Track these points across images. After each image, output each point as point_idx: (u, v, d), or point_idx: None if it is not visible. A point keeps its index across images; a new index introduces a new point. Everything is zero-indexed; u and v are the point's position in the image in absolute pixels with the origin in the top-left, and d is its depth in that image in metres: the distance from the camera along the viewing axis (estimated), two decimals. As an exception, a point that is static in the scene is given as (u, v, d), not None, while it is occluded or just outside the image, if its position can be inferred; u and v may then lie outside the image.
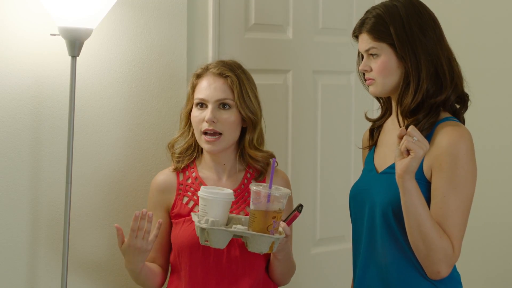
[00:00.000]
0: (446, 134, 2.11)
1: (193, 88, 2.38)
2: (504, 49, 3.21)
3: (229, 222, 2.21)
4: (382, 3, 2.24)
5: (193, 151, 2.41)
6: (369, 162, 2.30)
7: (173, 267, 2.39)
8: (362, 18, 2.24)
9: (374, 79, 2.20)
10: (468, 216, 2.10)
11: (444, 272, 2.08)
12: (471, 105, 2.24)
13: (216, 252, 2.27)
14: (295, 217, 2.19)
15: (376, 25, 2.19)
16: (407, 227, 2.06)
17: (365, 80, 2.25)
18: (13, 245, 2.46)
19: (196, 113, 2.35)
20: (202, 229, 2.11)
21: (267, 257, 2.33)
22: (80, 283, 2.58)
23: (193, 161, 2.42)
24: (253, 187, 2.11)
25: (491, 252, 3.21)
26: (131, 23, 2.65)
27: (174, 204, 2.38)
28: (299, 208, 2.19)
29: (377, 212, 2.17)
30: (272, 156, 2.39)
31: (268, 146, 3.05)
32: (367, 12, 2.24)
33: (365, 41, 2.20)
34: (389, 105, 2.31)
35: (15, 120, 2.45)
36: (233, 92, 2.34)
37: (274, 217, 2.09)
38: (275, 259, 2.28)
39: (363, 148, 2.39)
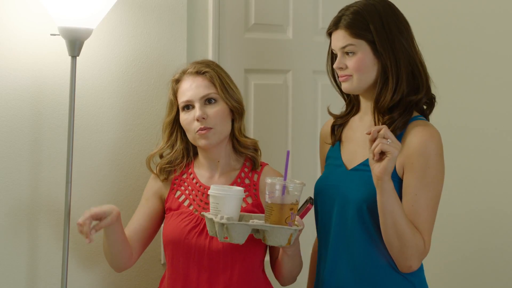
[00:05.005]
0: (417, 134, 2.16)
1: (175, 94, 2.39)
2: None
3: (240, 220, 2.21)
4: (358, 2, 2.26)
5: (184, 157, 2.42)
6: (335, 157, 2.32)
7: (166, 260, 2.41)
8: (337, 15, 2.25)
9: (350, 75, 2.22)
10: (436, 212, 2.18)
11: (415, 266, 2.16)
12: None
13: (197, 246, 2.28)
14: (308, 210, 2.19)
15: (354, 22, 2.20)
16: (383, 225, 2.11)
17: (335, 79, 2.29)
18: (13, 245, 2.46)
19: (184, 116, 2.36)
20: (221, 225, 2.11)
21: (256, 252, 2.33)
22: (80, 283, 2.58)
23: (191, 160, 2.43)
24: (268, 179, 2.11)
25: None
26: (131, 23, 2.65)
27: (167, 197, 2.40)
28: (310, 200, 2.19)
29: (349, 208, 2.20)
30: (255, 143, 2.41)
31: (268, 145, 3.05)
32: (343, 9, 2.25)
33: (342, 38, 2.21)
34: (357, 103, 2.34)
35: (15, 120, 2.45)
36: (215, 85, 2.35)
37: (291, 209, 2.10)
38: (285, 255, 2.27)
39: (327, 143, 2.39)
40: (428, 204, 2.14)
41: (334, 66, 2.24)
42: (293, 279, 2.37)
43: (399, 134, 2.17)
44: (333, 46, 2.26)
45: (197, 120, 2.32)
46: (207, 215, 2.17)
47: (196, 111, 2.32)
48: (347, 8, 2.25)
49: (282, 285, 2.40)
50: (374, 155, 2.05)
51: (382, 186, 2.07)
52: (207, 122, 2.32)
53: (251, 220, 2.15)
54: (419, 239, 2.12)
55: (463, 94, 3.25)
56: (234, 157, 2.41)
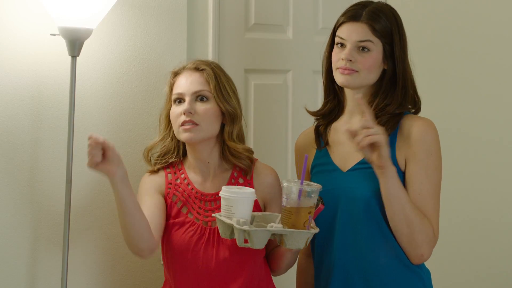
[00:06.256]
0: (414, 125, 2.20)
1: (171, 87, 2.37)
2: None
3: (252, 219, 2.20)
4: (376, 3, 2.26)
5: (174, 152, 2.37)
6: (326, 163, 2.32)
7: (165, 268, 2.38)
8: (355, 8, 2.24)
9: (356, 71, 2.21)
10: (439, 199, 2.21)
11: (427, 254, 2.17)
12: None
13: (205, 256, 2.26)
14: (319, 210, 2.18)
15: (379, 20, 2.21)
16: (391, 213, 2.13)
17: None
18: (13, 245, 2.46)
19: (173, 108, 2.33)
20: (243, 231, 2.09)
21: (261, 254, 2.32)
22: (80, 283, 2.58)
23: (181, 163, 2.39)
24: (285, 183, 2.10)
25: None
26: (131, 23, 2.65)
27: (165, 199, 2.35)
28: (321, 200, 2.18)
29: (357, 206, 2.20)
30: (251, 151, 2.37)
31: (268, 146, 3.04)
32: (359, 4, 2.24)
33: (362, 31, 2.21)
34: (340, 103, 2.33)
35: (15, 120, 2.45)
36: (209, 84, 2.32)
37: (309, 213, 2.09)
38: (289, 251, 2.27)
39: (314, 148, 2.37)
40: (434, 191, 2.18)
41: (344, 56, 2.22)
42: (286, 270, 2.39)
43: (394, 131, 2.20)
44: (346, 37, 2.23)
45: (184, 113, 2.29)
46: (224, 219, 2.14)
47: (185, 105, 2.30)
48: (364, 4, 2.24)
49: (275, 275, 2.41)
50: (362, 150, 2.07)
51: (385, 173, 2.09)
52: (193, 117, 2.29)
53: (269, 225, 2.12)
54: (428, 225, 2.14)
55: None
56: (224, 161, 2.37)
